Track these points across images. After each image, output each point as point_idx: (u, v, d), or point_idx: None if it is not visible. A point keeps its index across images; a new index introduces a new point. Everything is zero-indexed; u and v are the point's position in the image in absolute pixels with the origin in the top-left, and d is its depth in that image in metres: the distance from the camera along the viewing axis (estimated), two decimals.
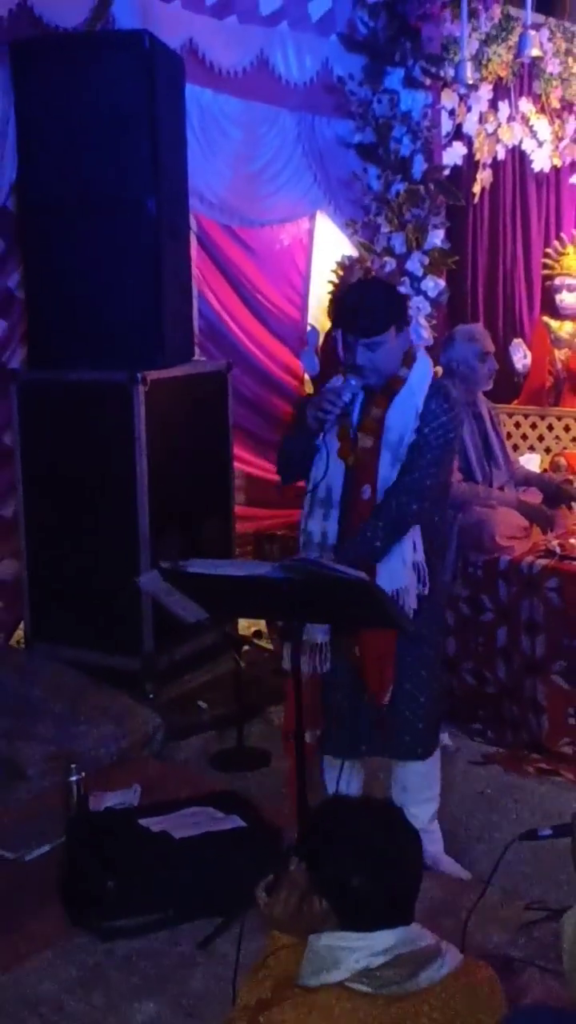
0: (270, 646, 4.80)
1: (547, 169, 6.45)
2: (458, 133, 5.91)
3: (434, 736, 3.30)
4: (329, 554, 3.08)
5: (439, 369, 5.00)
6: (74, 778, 3.32)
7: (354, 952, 1.84)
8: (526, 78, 6.19)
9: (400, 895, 1.89)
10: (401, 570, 3.08)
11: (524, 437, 6.05)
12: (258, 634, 4.92)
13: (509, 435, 5.83)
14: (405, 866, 1.91)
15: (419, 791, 3.28)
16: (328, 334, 5.04)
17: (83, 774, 3.35)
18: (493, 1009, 1.91)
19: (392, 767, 3.32)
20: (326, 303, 5.29)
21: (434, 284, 5.66)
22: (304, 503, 3.17)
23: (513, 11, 5.72)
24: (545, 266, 6.34)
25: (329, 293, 5.19)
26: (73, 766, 3.36)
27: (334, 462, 3.10)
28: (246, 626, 4.98)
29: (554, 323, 6.03)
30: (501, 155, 6.24)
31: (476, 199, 6.22)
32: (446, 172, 5.75)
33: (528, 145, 6.31)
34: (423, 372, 3.11)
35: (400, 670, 3.14)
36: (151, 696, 4.25)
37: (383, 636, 3.10)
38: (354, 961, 1.84)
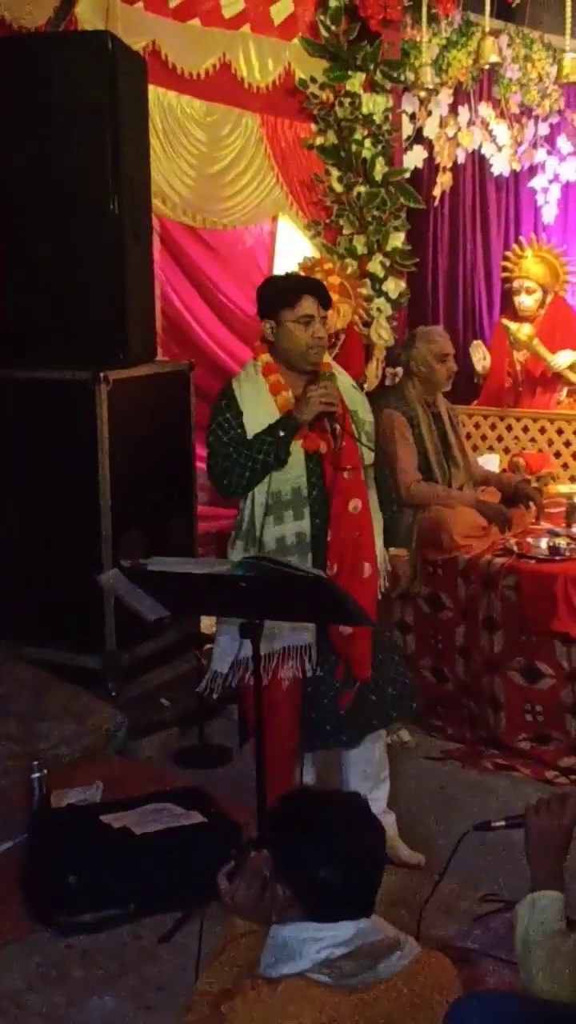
0: None
1: (506, 173, 6.52)
2: (419, 137, 5.98)
3: (408, 699, 3.38)
4: (308, 555, 3.07)
5: (399, 369, 5.08)
6: (36, 775, 3.33)
7: (316, 943, 1.87)
8: (486, 83, 6.26)
9: (364, 888, 1.92)
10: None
11: (483, 438, 6.12)
12: None
13: (469, 435, 5.91)
14: (370, 859, 1.94)
15: (378, 772, 3.36)
16: None
17: (45, 771, 3.37)
18: (450, 999, 1.95)
19: (346, 757, 3.35)
20: None
21: (395, 285, 5.73)
22: (253, 515, 3.10)
23: (473, 17, 5.79)
24: (504, 269, 6.41)
25: None
26: (35, 763, 3.37)
27: (292, 460, 3.09)
28: (208, 624, 5.01)
29: (513, 325, 6.10)
30: (461, 159, 6.31)
31: (436, 202, 6.29)
32: (407, 175, 5.81)
33: (488, 149, 6.38)
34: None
35: (374, 640, 3.22)
36: (113, 694, 4.26)
37: (367, 609, 3.15)
38: (315, 952, 1.86)
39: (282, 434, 3.04)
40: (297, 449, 3.09)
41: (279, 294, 3.14)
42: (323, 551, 3.09)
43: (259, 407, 3.10)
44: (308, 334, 3.07)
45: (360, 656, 3.17)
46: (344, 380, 3.22)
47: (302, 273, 5.11)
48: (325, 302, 3.13)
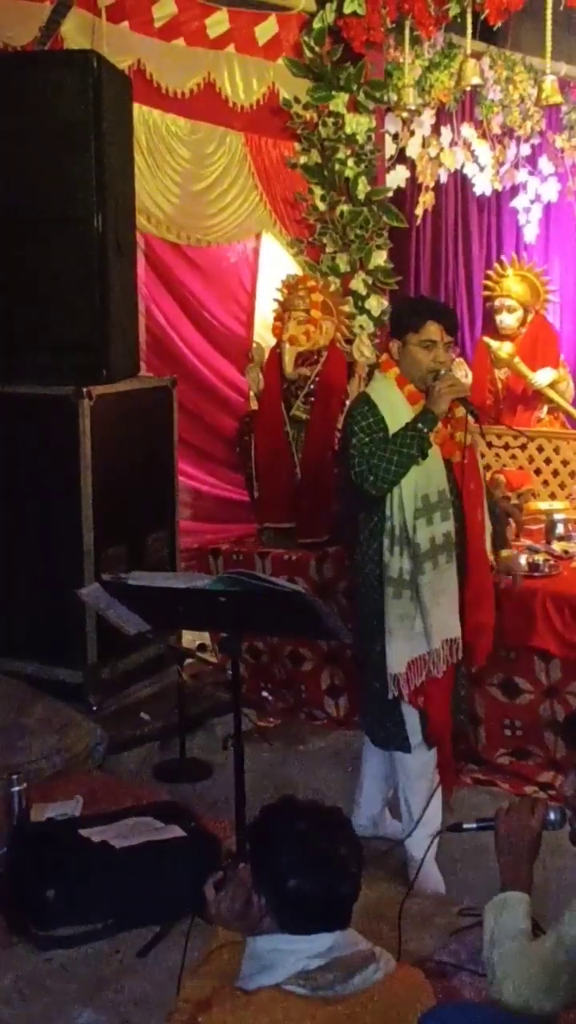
0: (214, 659, 4.85)
1: (488, 193, 6.58)
2: (401, 156, 6.03)
3: None
4: (453, 554, 3.28)
5: None
6: (15, 789, 3.33)
7: (291, 955, 1.88)
8: (468, 104, 6.32)
9: (336, 900, 1.92)
10: None
11: None
12: (202, 647, 4.96)
13: None
14: (342, 872, 1.93)
15: None
16: (272, 351, 5.12)
17: (25, 785, 3.36)
18: (423, 1009, 1.96)
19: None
20: (271, 320, 5.36)
21: (377, 303, 5.77)
22: (404, 519, 3.23)
23: (455, 39, 5.84)
24: (486, 287, 6.46)
25: (274, 311, 5.27)
26: (15, 777, 3.36)
27: (433, 464, 3.26)
28: (190, 639, 5.02)
29: (494, 343, 6.14)
30: (443, 179, 6.36)
31: (419, 221, 6.34)
32: (389, 194, 5.87)
33: (470, 169, 6.44)
34: None
35: None
36: (94, 708, 4.26)
37: (492, 604, 3.47)
38: (291, 963, 1.87)
39: (421, 426, 3.20)
40: (437, 454, 3.26)
41: (407, 317, 3.32)
42: (462, 552, 3.34)
43: (399, 414, 3.26)
44: (430, 358, 3.25)
45: (484, 646, 3.47)
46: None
47: (286, 291, 5.15)
48: (452, 329, 3.29)
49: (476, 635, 3.43)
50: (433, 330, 3.24)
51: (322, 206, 5.78)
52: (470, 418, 3.30)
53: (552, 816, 2.16)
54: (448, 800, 3.55)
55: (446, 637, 3.30)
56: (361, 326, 5.68)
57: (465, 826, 2.34)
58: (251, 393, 5.62)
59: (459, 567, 3.35)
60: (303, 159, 5.77)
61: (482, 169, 6.47)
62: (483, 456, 5.69)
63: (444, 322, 3.26)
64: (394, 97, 5.75)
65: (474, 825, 2.32)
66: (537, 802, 2.19)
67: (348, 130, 5.66)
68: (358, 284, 5.77)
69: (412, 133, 6.05)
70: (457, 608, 3.34)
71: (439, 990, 2.67)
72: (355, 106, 5.65)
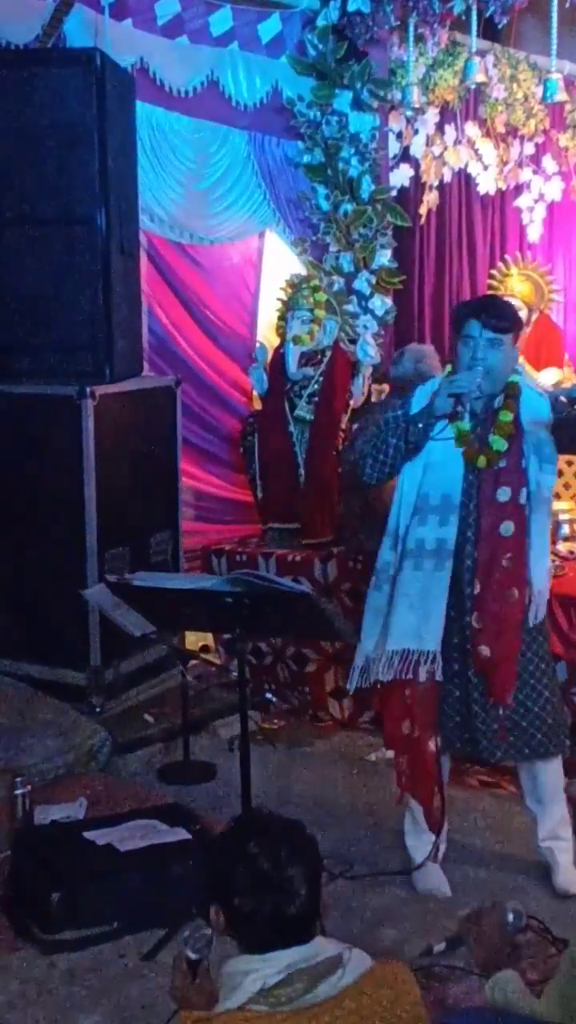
0: (217, 660, 4.83)
1: (492, 192, 6.56)
2: (405, 155, 6.01)
3: (563, 732, 3.31)
4: (447, 564, 3.08)
5: (387, 386, 5.10)
6: (19, 792, 3.32)
7: (250, 974, 1.84)
8: (472, 103, 6.30)
9: (282, 920, 1.85)
10: (546, 570, 3.24)
11: None
12: (205, 648, 4.94)
13: None
14: (286, 894, 1.85)
15: (543, 797, 3.31)
16: (276, 351, 5.10)
17: (28, 788, 3.36)
18: (406, 1004, 1.90)
19: (523, 776, 3.34)
20: (275, 320, 5.35)
21: (381, 303, 5.75)
22: (399, 514, 3.15)
23: (459, 37, 5.82)
24: (490, 287, 6.44)
25: (277, 311, 5.25)
26: (18, 779, 3.36)
27: (450, 466, 3.12)
28: (194, 640, 5.01)
29: None
30: (447, 177, 6.34)
31: (423, 220, 6.31)
32: (393, 193, 5.85)
33: (474, 168, 6.42)
34: (527, 380, 3.28)
35: (521, 666, 3.17)
36: (98, 710, 4.25)
37: (510, 635, 3.13)
38: (250, 983, 1.83)
39: (418, 422, 3.08)
40: (456, 456, 3.12)
41: (455, 314, 3.25)
42: (470, 565, 3.13)
43: None
44: (468, 355, 3.11)
45: (502, 679, 3.13)
46: (531, 403, 3.18)
47: (289, 290, 5.13)
48: (494, 326, 3.10)
49: (487, 668, 3.14)
50: (472, 326, 3.12)
51: (326, 205, 5.75)
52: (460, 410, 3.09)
53: (510, 918, 2.16)
54: (432, 820, 3.27)
55: (408, 647, 3.10)
56: (365, 326, 5.66)
57: (435, 949, 2.36)
58: (255, 393, 5.60)
59: (464, 582, 3.14)
60: (307, 158, 5.75)
61: (486, 168, 6.44)
62: None
63: (484, 319, 3.12)
64: (398, 95, 5.73)
65: (443, 946, 2.35)
66: (496, 906, 2.19)
67: (352, 129, 5.64)
68: (362, 284, 5.74)
69: (416, 132, 6.03)
70: (438, 622, 3.10)
71: (448, 995, 2.66)
72: (359, 104, 5.63)
